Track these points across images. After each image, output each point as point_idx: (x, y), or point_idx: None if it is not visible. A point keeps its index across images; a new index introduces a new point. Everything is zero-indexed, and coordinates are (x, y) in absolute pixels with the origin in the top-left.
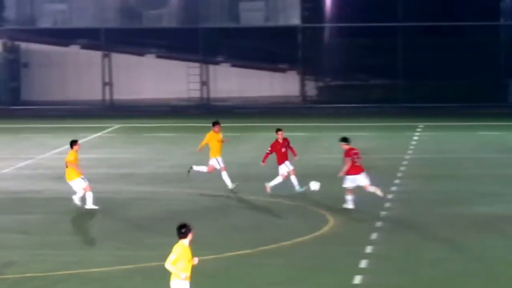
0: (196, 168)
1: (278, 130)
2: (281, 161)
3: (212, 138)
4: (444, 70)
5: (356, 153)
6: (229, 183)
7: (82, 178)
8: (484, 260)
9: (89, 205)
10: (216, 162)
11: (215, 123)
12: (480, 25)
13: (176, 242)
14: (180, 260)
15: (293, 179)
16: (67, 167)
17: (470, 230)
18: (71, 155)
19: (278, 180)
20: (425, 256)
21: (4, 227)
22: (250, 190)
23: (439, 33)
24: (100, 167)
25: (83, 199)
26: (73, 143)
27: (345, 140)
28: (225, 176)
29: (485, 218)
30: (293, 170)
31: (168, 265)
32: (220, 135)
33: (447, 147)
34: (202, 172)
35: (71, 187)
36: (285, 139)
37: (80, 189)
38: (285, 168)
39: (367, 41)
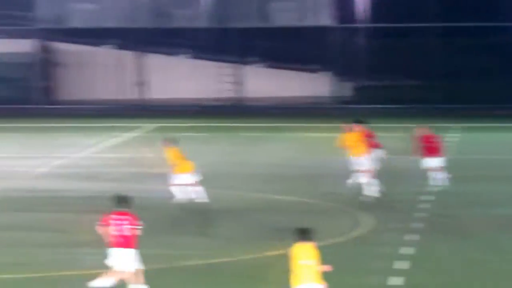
0: (367, 189)
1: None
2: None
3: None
4: (481, 70)
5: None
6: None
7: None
8: None
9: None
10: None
11: (356, 122)
12: None
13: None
14: None
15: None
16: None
17: (507, 232)
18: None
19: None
20: (459, 257)
21: (38, 225)
22: (281, 191)
23: (475, 34)
24: (135, 166)
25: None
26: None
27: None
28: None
29: None
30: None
31: (321, 268)
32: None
33: (485, 148)
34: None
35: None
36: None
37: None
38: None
39: (401, 42)
